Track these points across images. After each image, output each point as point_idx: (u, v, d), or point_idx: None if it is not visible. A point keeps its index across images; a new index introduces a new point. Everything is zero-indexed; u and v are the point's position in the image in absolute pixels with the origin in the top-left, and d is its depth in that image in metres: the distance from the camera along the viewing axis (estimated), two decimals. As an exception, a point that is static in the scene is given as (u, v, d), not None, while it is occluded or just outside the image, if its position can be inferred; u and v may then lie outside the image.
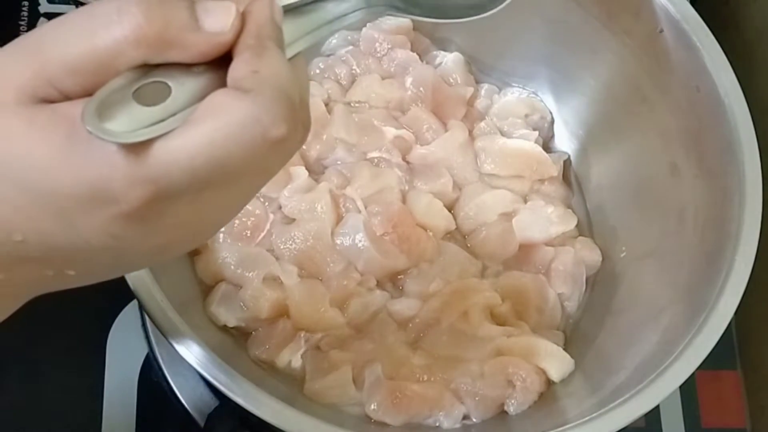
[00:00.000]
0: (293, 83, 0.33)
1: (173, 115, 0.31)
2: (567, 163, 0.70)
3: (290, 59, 0.34)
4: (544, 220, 0.65)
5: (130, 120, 0.30)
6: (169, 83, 0.32)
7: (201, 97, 0.32)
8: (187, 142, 0.30)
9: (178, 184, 0.31)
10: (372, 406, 0.56)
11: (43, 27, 0.32)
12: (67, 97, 0.31)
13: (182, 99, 0.31)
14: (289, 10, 0.36)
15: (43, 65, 0.30)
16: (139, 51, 0.31)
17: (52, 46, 0.31)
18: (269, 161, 0.33)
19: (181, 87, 0.32)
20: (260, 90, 0.31)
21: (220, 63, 0.32)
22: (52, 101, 0.31)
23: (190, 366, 0.47)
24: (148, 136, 0.30)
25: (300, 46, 0.36)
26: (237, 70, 0.32)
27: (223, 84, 0.32)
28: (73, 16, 0.31)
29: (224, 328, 0.59)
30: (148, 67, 0.31)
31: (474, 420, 0.58)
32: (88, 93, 0.31)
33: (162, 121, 0.31)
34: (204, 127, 0.30)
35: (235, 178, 0.32)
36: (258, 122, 0.31)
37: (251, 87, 0.31)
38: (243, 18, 0.32)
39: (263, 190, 0.62)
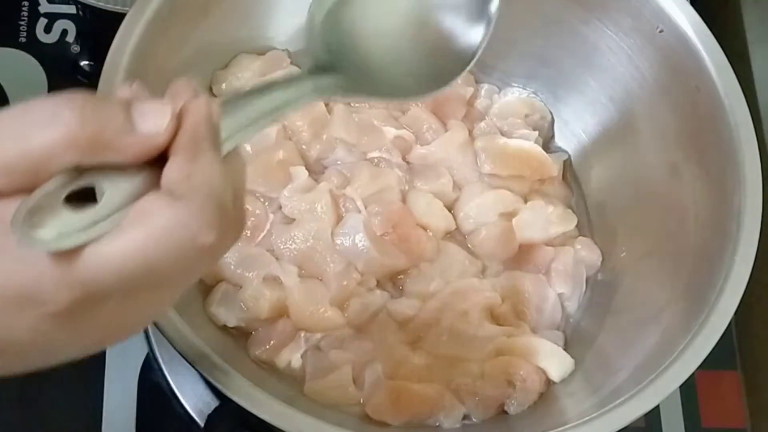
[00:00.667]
0: (226, 187, 0.33)
1: (105, 218, 0.31)
2: (567, 163, 0.70)
3: (229, 153, 0.34)
4: (544, 220, 0.65)
5: (60, 225, 0.31)
6: (102, 185, 0.32)
7: (135, 197, 0.32)
8: (118, 248, 0.31)
9: (108, 287, 0.31)
10: (372, 406, 0.56)
11: None
12: None
13: (115, 200, 0.32)
14: (231, 100, 0.35)
15: None
16: (73, 154, 0.31)
17: None
18: (198, 264, 0.34)
19: (114, 188, 0.32)
20: (191, 196, 0.32)
21: (154, 162, 0.33)
22: None
23: (190, 366, 0.47)
24: (77, 243, 0.31)
25: (242, 137, 0.35)
26: (170, 173, 0.32)
27: (156, 183, 0.32)
28: (8, 115, 0.31)
29: (224, 328, 0.59)
30: (81, 168, 0.32)
31: (474, 420, 0.58)
32: (21, 191, 0.31)
33: (94, 224, 0.31)
34: (135, 233, 0.31)
35: (161, 280, 0.33)
36: (188, 229, 0.31)
37: (183, 193, 0.31)
38: (179, 116, 0.33)
39: (263, 190, 0.62)
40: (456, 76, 0.46)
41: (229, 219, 0.33)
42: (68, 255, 0.31)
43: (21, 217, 0.30)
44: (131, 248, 0.31)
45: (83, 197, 0.31)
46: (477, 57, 0.47)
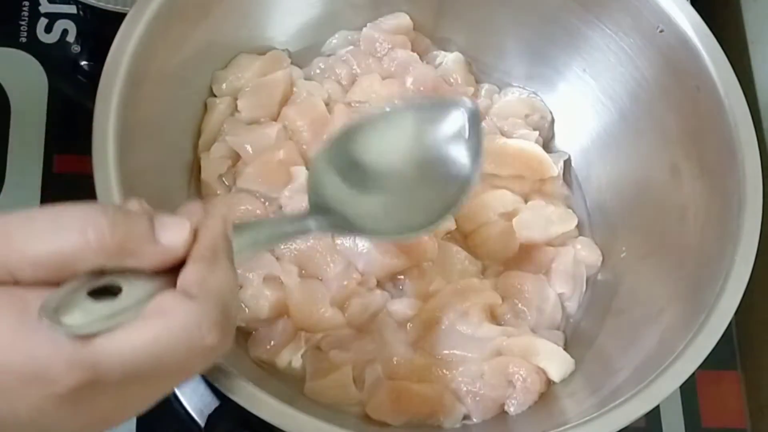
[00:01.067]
0: (234, 295, 0.37)
1: (124, 311, 0.34)
2: (567, 163, 0.70)
3: None
4: (545, 220, 0.65)
5: (83, 314, 0.33)
6: (121, 283, 0.35)
7: (150, 296, 0.35)
8: (133, 337, 0.33)
9: (115, 373, 0.33)
10: (372, 406, 0.56)
11: (14, 216, 0.34)
12: (17, 282, 0.34)
13: (132, 297, 0.35)
14: (242, 224, 0.41)
15: (8, 255, 0.33)
16: (100, 257, 0.34)
17: (19, 240, 0.33)
18: (197, 363, 0.36)
19: (132, 287, 0.35)
20: (205, 298, 0.35)
21: (169, 268, 0.36)
22: (2, 282, 0.33)
23: (190, 366, 0.47)
24: (98, 330, 0.33)
25: (244, 256, 0.40)
26: (188, 277, 0.35)
27: (167, 287, 0.35)
28: (43, 215, 0.34)
29: (224, 328, 0.59)
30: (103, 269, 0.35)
31: (474, 420, 0.58)
32: (41, 282, 0.33)
33: (113, 315, 0.34)
34: (150, 326, 0.34)
35: (164, 373, 0.35)
36: (198, 327, 0.34)
37: (197, 294, 0.34)
38: (197, 231, 0.36)
39: (263, 190, 0.62)
40: (455, 206, 0.51)
41: (231, 324, 0.36)
42: (84, 340, 0.33)
43: (52, 305, 0.33)
44: (145, 338, 0.33)
45: (100, 290, 0.35)
46: (475, 182, 0.52)
